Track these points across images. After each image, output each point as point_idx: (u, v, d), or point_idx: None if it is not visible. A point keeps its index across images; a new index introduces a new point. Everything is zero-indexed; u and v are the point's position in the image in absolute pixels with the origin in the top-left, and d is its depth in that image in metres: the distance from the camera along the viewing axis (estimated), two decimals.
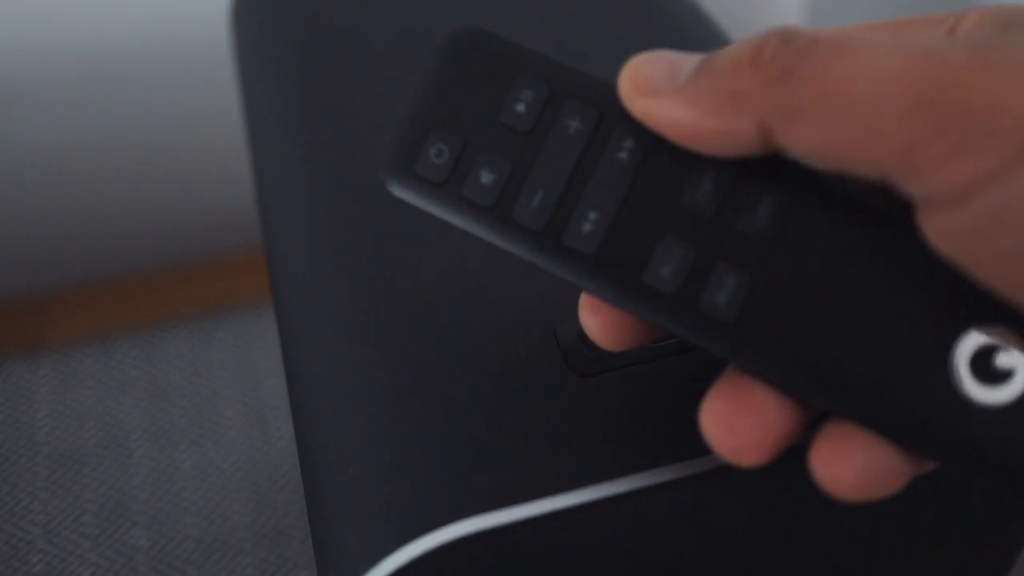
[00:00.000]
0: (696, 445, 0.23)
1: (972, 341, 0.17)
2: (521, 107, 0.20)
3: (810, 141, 0.17)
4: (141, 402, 0.68)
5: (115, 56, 0.69)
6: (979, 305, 0.17)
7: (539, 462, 0.23)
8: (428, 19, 0.38)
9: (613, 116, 0.20)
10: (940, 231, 0.16)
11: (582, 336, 0.25)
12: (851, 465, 0.18)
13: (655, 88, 0.19)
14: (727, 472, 0.23)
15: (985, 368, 0.17)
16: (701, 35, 0.37)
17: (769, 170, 0.19)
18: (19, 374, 0.70)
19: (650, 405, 0.24)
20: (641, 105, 0.19)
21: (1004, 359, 0.17)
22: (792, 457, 0.23)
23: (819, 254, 0.18)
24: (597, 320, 0.20)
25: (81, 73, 0.69)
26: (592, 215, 0.19)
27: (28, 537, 0.60)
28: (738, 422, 0.19)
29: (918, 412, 0.17)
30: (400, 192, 0.20)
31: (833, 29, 0.19)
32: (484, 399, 0.24)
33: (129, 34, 0.68)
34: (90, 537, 0.60)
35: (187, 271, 0.78)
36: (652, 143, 0.19)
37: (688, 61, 0.19)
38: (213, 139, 0.75)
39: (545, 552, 0.23)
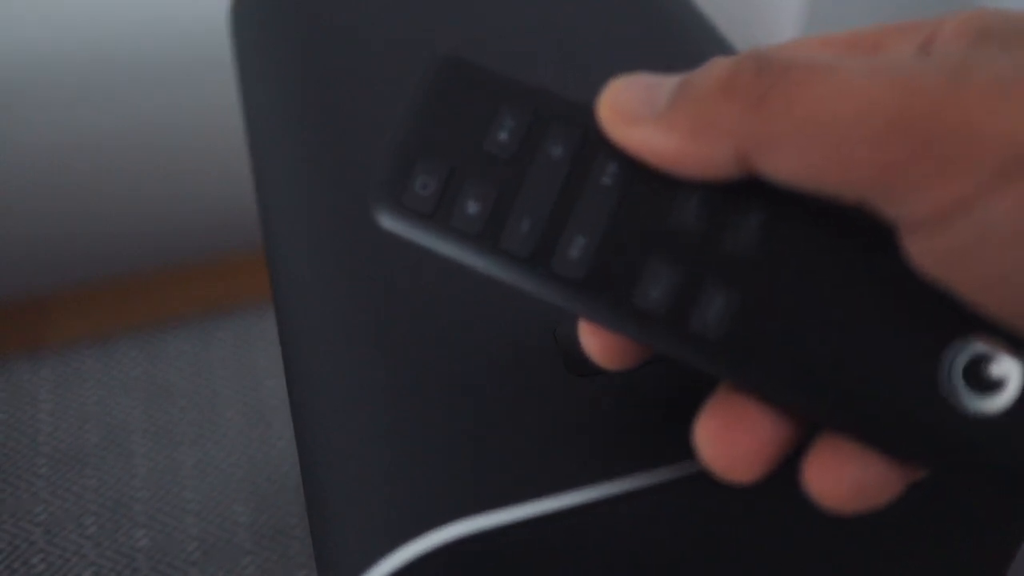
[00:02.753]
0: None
1: (963, 351, 0.17)
2: (504, 135, 0.20)
3: (788, 167, 0.17)
4: (142, 402, 0.68)
5: (115, 56, 0.69)
6: (968, 316, 0.17)
7: (539, 462, 0.23)
8: (428, 19, 0.38)
9: (596, 141, 0.20)
10: (921, 253, 0.16)
11: None
12: (844, 478, 0.18)
13: (633, 115, 0.19)
14: None
15: (977, 377, 0.17)
16: (700, 35, 0.37)
17: (754, 189, 0.19)
18: (20, 374, 0.70)
19: (650, 405, 0.24)
20: (620, 132, 0.19)
21: (996, 368, 0.17)
22: (791, 459, 0.23)
23: (807, 270, 0.18)
24: (597, 341, 0.20)
25: (81, 73, 0.69)
26: (579, 240, 0.19)
27: (30, 537, 0.60)
28: (732, 438, 0.19)
29: (912, 423, 0.17)
30: (390, 224, 0.20)
31: (809, 46, 0.19)
32: (484, 399, 0.24)
33: (129, 34, 0.68)
34: (91, 537, 0.60)
35: (187, 271, 0.79)
36: (635, 167, 0.19)
37: (665, 85, 0.19)
38: (213, 139, 0.75)
39: (545, 552, 0.23)
